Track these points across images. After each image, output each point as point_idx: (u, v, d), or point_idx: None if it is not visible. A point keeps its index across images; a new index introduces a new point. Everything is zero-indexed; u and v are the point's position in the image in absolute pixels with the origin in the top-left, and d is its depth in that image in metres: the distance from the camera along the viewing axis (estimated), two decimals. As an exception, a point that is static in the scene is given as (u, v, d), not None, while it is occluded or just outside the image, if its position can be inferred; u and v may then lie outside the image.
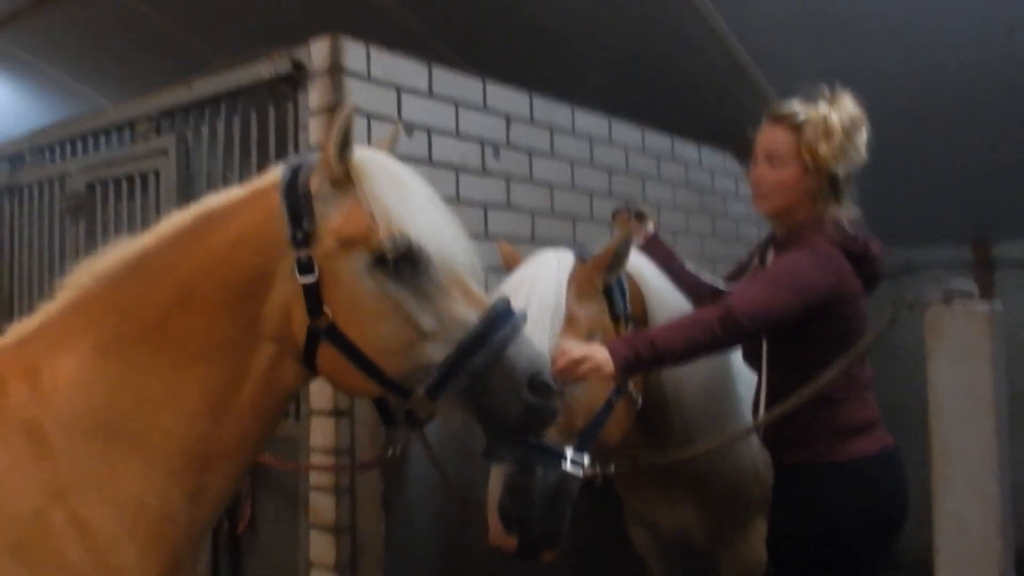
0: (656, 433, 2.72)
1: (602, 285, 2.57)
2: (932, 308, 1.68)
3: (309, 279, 1.82)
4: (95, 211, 3.71)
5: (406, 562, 2.84)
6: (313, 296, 1.82)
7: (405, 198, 1.85)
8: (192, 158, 3.32)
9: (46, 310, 1.98)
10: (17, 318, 2.04)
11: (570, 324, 2.44)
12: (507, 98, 3.52)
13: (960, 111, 4.51)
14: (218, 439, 1.89)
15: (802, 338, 2.34)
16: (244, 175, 3.15)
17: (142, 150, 3.47)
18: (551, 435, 2.34)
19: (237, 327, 1.86)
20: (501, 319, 1.86)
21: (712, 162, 4.79)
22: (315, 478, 2.87)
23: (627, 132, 4.17)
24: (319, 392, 2.85)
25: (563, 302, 2.46)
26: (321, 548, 2.85)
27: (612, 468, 2.44)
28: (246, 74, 3.13)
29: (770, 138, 2.48)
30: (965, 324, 1.66)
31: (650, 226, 3.04)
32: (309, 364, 1.90)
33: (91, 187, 3.71)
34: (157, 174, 3.37)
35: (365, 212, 1.81)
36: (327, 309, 1.83)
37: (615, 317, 2.57)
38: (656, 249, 2.97)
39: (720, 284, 2.82)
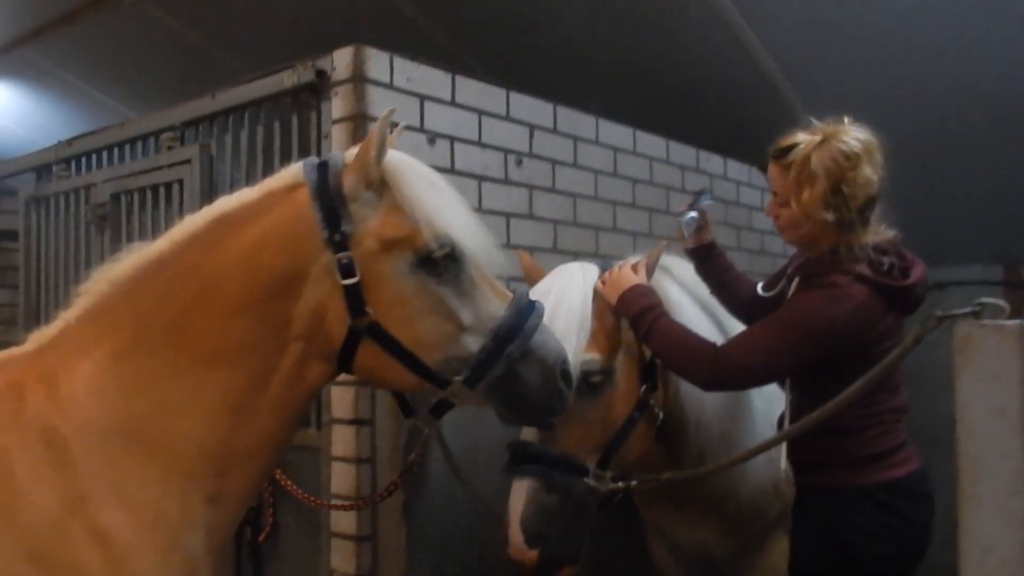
0: (672, 452, 2.68)
1: None
2: (962, 324, 1.64)
3: (351, 280, 1.84)
4: (120, 221, 3.73)
5: (427, 571, 2.82)
6: (355, 296, 1.84)
7: (441, 199, 1.92)
8: (215, 167, 3.34)
9: (64, 317, 1.99)
10: (45, 327, 2.05)
11: (595, 339, 2.42)
12: (531, 107, 3.51)
13: (992, 128, 4.44)
14: (239, 442, 1.90)
15: (826, 375, 2.24)
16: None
17: (166, 160, 3.49)
18: (574, 451, 2.34)
19: (262, 328, 1.88)
20: (528, 309, 1.98)
21: (738, 175, 4.75)
22: (337, 487, 2.86)
23: (652, 143, 4.14)
24: (340, 400, 2.85)
25: (588, 316, 2.44)
26: (343, 556, 2.84)
27: (634, 483, 2.42)
28: (269, 83, 3.14)
29: (771, 175, 2.41)
30: (996, 341, 1.62)
31: (708, 235, 2.83)
32: (344, 362, 1.92)
33: (116, 197, 3.74)
34: (181, 184, 3.39)
35: (405, 214, 1.86)
36: (369, 308, 1.85)
37: None
38: (711, 259, 2.81)
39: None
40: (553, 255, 3.53)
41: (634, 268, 2.52)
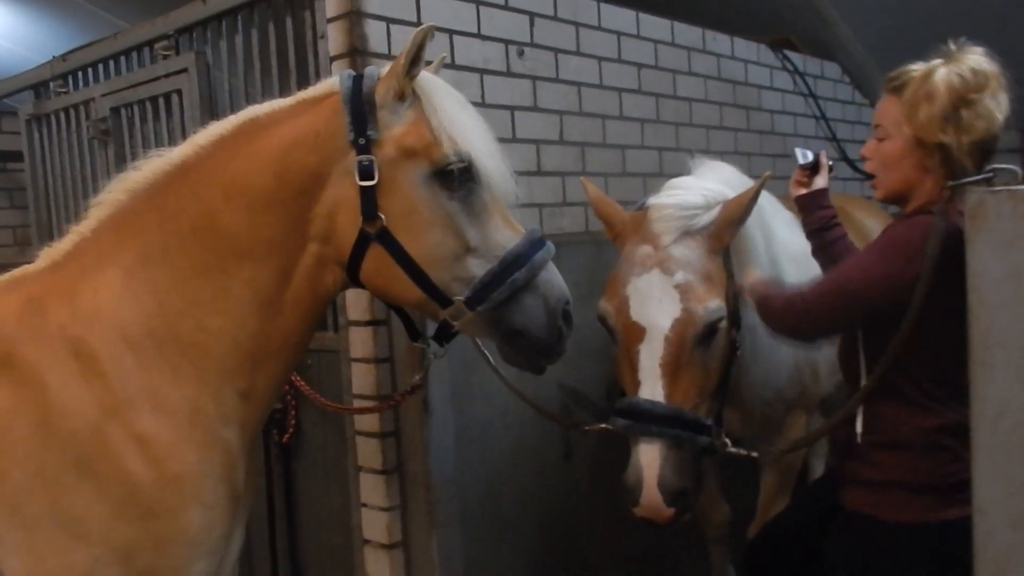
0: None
1: (728, 241, 2.47)
2: (974, 191, 1.62)
3: (369, 182, 1.88)
4: (122, 134, 3.70)
5: (450, 463, 2.90)
6: (370, 199, 1.89)
7: (467, 119, 1.96)
8: (213, 74, 3.28)
9: (78, 231, 2.01)
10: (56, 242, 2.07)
11: (715, 285, 2.39)
12: (529, -5, 3.41)
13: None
14: (266, 338, 1.97)
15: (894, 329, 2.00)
16: (266, 87, 3.12)
17: (162, 70, 3.43)
18: (691, 402, 2.33)
19: (286, 225, 1.93)
20: (538, 244, 2.00)
21: (746, 54, 4.63)
22: (358, 387, 2.92)
23: (656, 25, 4.02)
24: (355, 303, 2.87)
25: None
26: (368, 453, 2.91)
27: (754, 454, 2.44)
28: (261, -16, 3.06)
29: (878, 109, 2.20)
30: (1009, 207, 1.60)
31: (819, 180, 2.58)
32: (352, 268, 1.96)
33: (116, 111, 3.70)
34: (179, 93, 3.35)
35: (429, 126, 1.91)
36: (382, 214, 1.89)
37: (729, 274, 2.49)
38: (818, 208, 2.57)
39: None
40: (560, 146, 3.49)
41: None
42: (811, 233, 2.56)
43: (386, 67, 1.99)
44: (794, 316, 2.18)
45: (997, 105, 2.00)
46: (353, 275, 1.99)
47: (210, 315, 1.92)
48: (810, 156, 2.55)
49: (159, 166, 1.99)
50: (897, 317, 1.95)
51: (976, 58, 2.04)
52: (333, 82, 2.00)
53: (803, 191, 2.57)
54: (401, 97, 1.92)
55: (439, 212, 1.92)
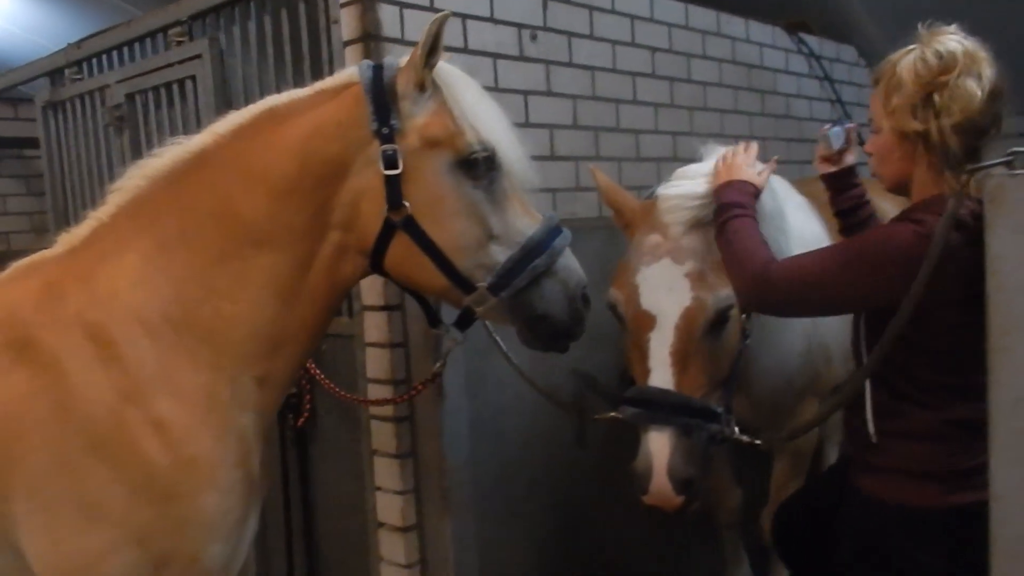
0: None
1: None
2: (994, 175, 1.60)
3: (394, 171, 1.91)
4: (137, 121, 3.71)
5: (464, 448, 2.91)
6: (395, 188, 1.92)
7: (487, 109, 2.00)
8: (226, 60, 3.28)
9: (95, 217, 2.03)
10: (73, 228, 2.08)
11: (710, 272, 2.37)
12: (542, -22, 3.39)
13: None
14: (284, 325, 1.98)
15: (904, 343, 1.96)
16: (279, 73, 3.12)
17: (176, 56, 3.43)
18: (702, 391, 2.33)
19: (307, 213, 1.95)
20: (556, 230, 2.05)
21: (761, 37, 4.60)
22: (372, 372, 2.93)
23: (670, 8, 4.00)
24: (370, 288, 2.88)
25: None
26: (383, 438, 2.92)
27: (758, 441, 2.41)
28: (274, -31, 3.06)
29: (870, 103, 2.18)
30: (1028, 191, 1.59)
31: (849, 157, 2.54)
32: (377, 256, 1.98)
33: (131, 97, 3.71)
34: (193, 79, 3.35)
35: (451, 116, 1.94)
36: (406, 202, 1.92)
37: None
38: (849, 186, 2.55)
39: None
40: (574, 131, 3.47)
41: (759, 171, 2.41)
42: (841, 213, 2.55)
43: (403, 55, 2.00)
44: (760, 284, 2.10)
45: (977, 82, 1.93)
46: (377, 263, 2.01)
47: (228, 302, 1.93)
48: (842, 137, 2.49)
49: (177, 154, 2.00)
50: (892, 310, 1.91)
51: (944, 39, 1.99)
52: (352, 72, 2.02)
53: (832, 168, 2.53)
54: (422, 87, 1.95)
55: (464, 200, 1.96)
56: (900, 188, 2.13)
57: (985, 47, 1.98)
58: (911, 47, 2.03)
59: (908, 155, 2.03)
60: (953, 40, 1.98)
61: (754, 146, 2.46)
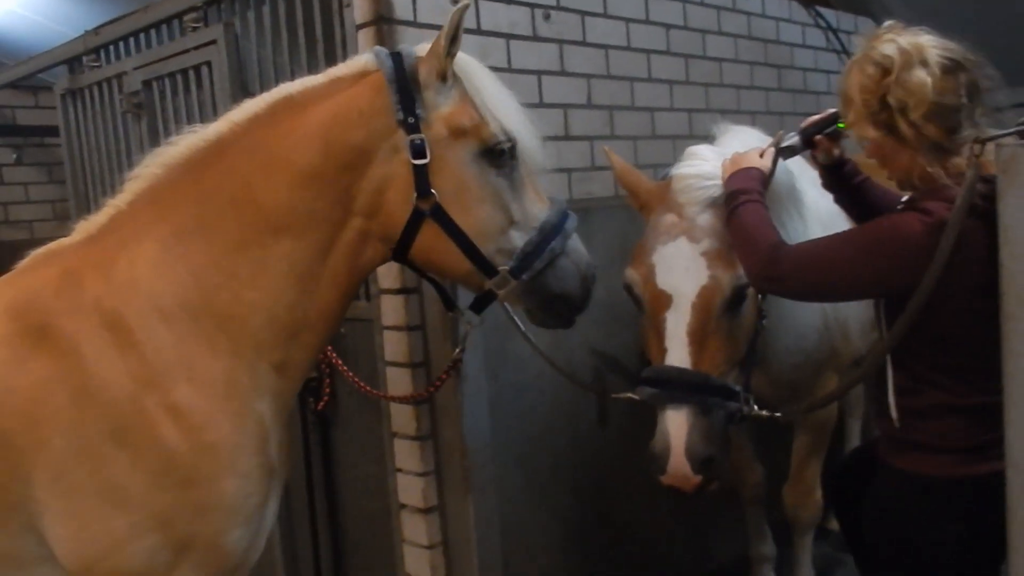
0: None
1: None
2: (1004, 145, 1.59)
3: (422, 161, 1.95)
4: (155, 107, 3.74)
5: (486, 429, 2.93)
6: (423, 177, 1.96)
7: (506, 98, 2.07)
8: (241, 45, 3.30)
9: (114, 204, 2.05)
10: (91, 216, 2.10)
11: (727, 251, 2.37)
12: (554, -44, 3.37)
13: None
14: (303, 311, 2.01)
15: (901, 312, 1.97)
16: (293, 57, 3.13)
17: (192, 42, 3.45)
18: (719, 370, 2.34)
19: (328, 200, 1.98)
20: (565, 213, 2.14)
21: (777, 11, 4.55)
22: (391, 355, 2.95)
23: (684, -16, 3.97)
24: (386, 272, 2.89)
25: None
26: (403, 420, 2.95)
27: (778, 414, 2.43)
28: (287, -47, 3.06)
29: None
30: (1042, 160, 1.58)
31: (835, 151, 2.47)
32: (403, 243, 2.03)
33: (148, 84, 3.73)
34: (209, 65, 3.37)
35: (475, 106, 2.01)
36: (434, 191, 1.97)
37: None
38: (842, 175, 2.51)
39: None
40: (588, 111, 3.46)
41: (762, 155, 2.41)
42: (827, 169, 2.50)
43: (415, 41, 2.04)
44: (769, 269, 2.13)
45: (924, 69, 1.94)
46: (402, 250, 2.06)
47: (247, 288, 1.95)
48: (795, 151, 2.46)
49: (195, 142, 2.02)
50: (908, 294, 1.92)
51: (878, 44, 2.03)
52: (367, 59, 2.05)
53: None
54: (443, 77, 1.99)
55: (488, 188, 2.02)
56: (904, 184, 2.13)
57: (931, 29, 2.02)
58: (852, 61, 2.08)
59: (894, 151, 2.04)
60: (887, 42, 2.01)
61: (770, 151, 2.45)
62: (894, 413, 2.11)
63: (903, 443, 2.12)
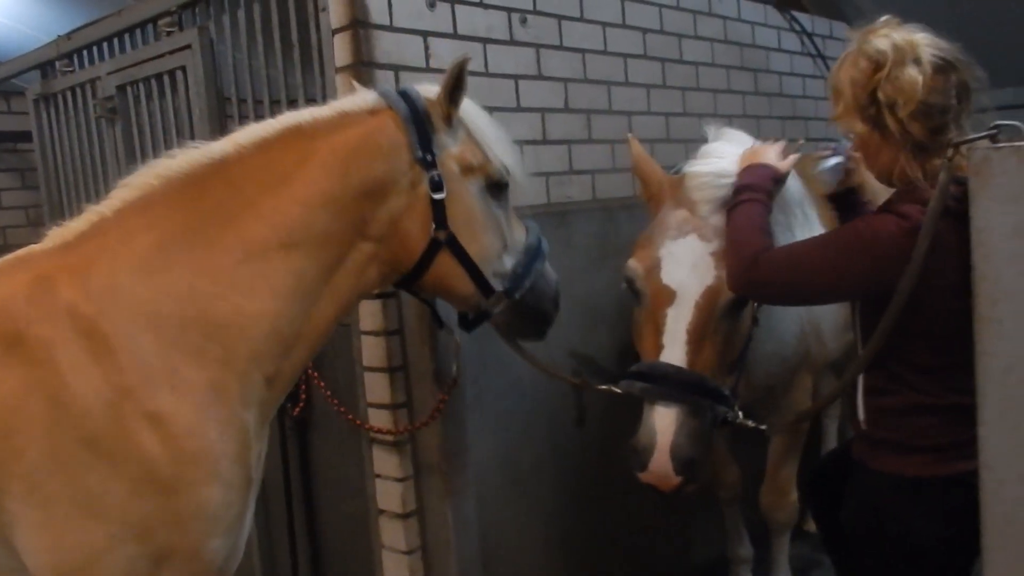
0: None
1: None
2: (978, 148, 1.61)
3: (440, 195, 2.14)
4: (129, 113, 3.71)
5: (462, 433, 2.93)
6: (441, 210, 2.15)
7: (501, 136, 2.30)
8: (216, 50, 3.28)
9: (98, 211, 2.03)
10: (66, 222, 2.08)
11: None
12: (531, -40, 3.37)
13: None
14: (301, 325, 2.06)
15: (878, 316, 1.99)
16: (269, 62, 3.11)
17: (167, 47, 3.43)
18: (712, 371, 2.34)
19: (344, 223, 2.09)
20: (540, 237, 2.38)
21: (752, 15, 4.58)
22: (368, 359, 2.94)
23: (660, -12, 3.99)
24: (368, 313, 2.90)
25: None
26: (380, 424, 2.93)
27: (763, 427, 2.43)
28: (262, -43, 3.04)
29: None
30: (1014, 163, 1.60)
31: (855, 178, 2.53)
32: (419, 270, 2.20)
33: (122, 89, 3.70)
34: (184, 70, 3.35)
35: (478, 145, 2.23)
36: (448, 222, 2.15)
37: None
38: (856, 206, 2.54)
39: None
40: (566, 114, 3.47)
41: (783, 155, 2.43)
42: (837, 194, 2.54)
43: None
44: (750, 273, 2.15)
45: (916, 68, 1.95)
46: (415, 275, 2.22)
47: (249, 300, 1.97)
48: (838, 173, 2.48)
49: (196, 157, 2.05)
50: (885, 296, 1.94)
51: (873, 38, 2.02)
52: (374, 98, 2.19)
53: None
54: (450, 121, 2.20)
55: (491, 218, 2.25)
56: (890, 180, 2.13)
57: (928, 28, 2.03)
58: (846, 53, 2.07)
59: (877, 148, 2.06)
60: (881, 37, 2.01)
61: (780, 143, 2.48)
62: (861, 414, 2.13)
63: (878, 443, 2.13)
